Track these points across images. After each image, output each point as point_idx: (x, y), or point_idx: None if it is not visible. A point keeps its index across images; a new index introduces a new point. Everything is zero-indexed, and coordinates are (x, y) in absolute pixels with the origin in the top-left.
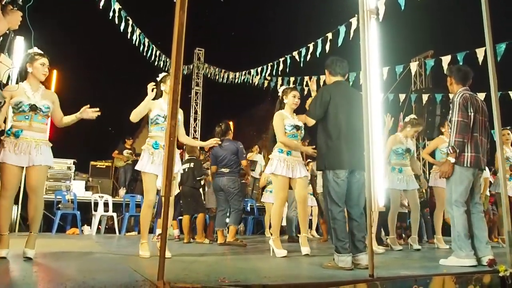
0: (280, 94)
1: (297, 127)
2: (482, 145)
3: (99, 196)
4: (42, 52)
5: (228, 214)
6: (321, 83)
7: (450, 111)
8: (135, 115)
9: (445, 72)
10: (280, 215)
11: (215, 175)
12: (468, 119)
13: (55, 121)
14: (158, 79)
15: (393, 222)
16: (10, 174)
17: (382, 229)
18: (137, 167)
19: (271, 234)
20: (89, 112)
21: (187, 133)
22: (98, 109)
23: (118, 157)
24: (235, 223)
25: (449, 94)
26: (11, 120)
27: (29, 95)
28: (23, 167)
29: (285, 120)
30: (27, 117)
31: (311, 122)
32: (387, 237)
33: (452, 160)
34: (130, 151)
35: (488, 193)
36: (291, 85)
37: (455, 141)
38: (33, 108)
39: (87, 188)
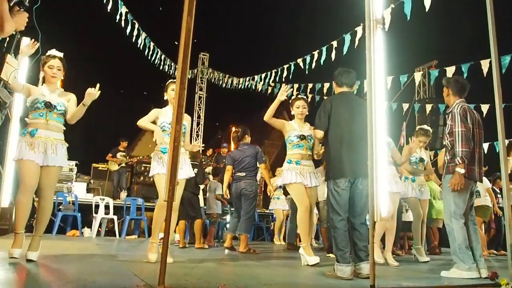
0: (290, 105)
1: (301, 137)
2: (479, 158)
3: (100, 199)
4: (54, 53)
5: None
6: (325, 91)
7: (449, 122)
8: (141, 124)
9: (442, 83)
10: (306, 222)
11: (232, 181)
12: (469, 130)
13: (67, 119)
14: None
15: (418, 230)
16: (29, 169)
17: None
18: (150, 174)
19: (282, 241)
20: (92, 93)
21: (190, 137)
22: (98, 85)
23: (112, 160)
24: (246, 231)
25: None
26: (26, 119)
27: (45, 94)
28: (40, 165)
29: (290, 131)
30: (41, 114)
31: (319, 133)
32: (413, 247)
33: (462, 171)
34: (124, 154)
35: (489, 204)
36: (295, 92)
37: (462, 151)
38: (48, 105)
39: (88, 190)
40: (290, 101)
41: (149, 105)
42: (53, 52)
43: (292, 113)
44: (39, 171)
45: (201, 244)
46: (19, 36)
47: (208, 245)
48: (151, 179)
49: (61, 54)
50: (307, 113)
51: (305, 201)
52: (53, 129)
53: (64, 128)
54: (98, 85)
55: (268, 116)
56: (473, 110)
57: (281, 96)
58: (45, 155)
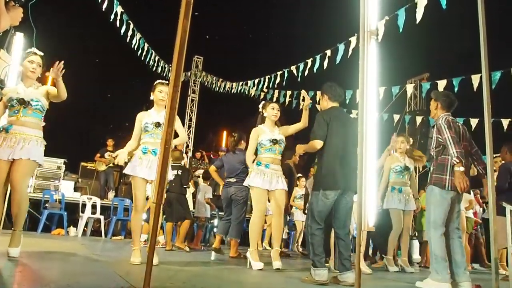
0: (260, 109)
1: (274, 141)
2: (465, 170)
3: (88, 198)
4: (34, 50)
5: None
6: (317, 99)
7: (435, 135)
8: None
9: (431, 96)
10: (259, 227)
11: (223, 186)
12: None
13: (57, 98)
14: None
15: (394, 242)
16: None
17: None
18: (125, 171)
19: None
20: (55, 71)
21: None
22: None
23: (101, 160)
24: (236, 236)
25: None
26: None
27: (20, 91)
28: (6, 160)
29: (261, 135)
30: (16, 111)
31: (319, 144)
32: (384, 256)
33: (462, 168)
34: (112, 154)
35: (471, 215)
36: (288, 99)
37: (457, 151)
38: (21, 101)
39: (75, 189)
40: (263, 105)
41: (140, 105)
42: (33, 49)
43: (265, 114)
44: (7, 168)
45: (183, 244)
46: (13, 31)
47: (195, 248)
48: None
49: (41, 53)
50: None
51: (260, 206)
52: (29, 125)
53: (43, 124)
54: (61, 62)
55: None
56: (459, 123)
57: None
58: (13, 150)
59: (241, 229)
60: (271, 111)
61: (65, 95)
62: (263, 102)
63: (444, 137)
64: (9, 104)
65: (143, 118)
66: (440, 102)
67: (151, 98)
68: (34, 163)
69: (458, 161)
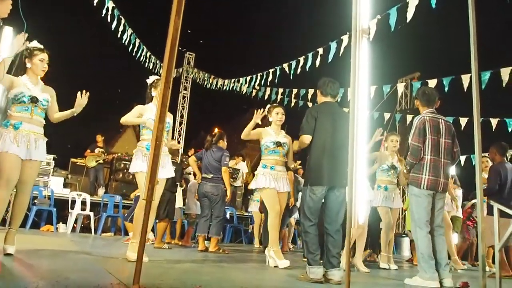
0: (266, 112)
1: (278, 143)
2: (443, 168)
3: (77, 194)
4: (42, 47)
5: (210, 221)
6: (309, 97)
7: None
8: (126, 120)
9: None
10: (277, 227)
11: (200, 182)
12: (422, 143)
13: (50, 115)
14: (149, 81)
15: (387, 239)
16: (12, 164)
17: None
18: (131, 170)
19: (260, 245)
20: (82, 104)
21: (172, 136)
22: (85, 92)
23: (91, 155)
24: (217, 234)
25: None
26: (9, 111)
27: (30, 87)
28: (22, 159)
29: (266, 137)
30: (26, 108)
31: (307, 138)
32: (380, 254)
33: (404, 171)
34: (102, 150)
35: (460, 214)
36: (279, 96)
37: (408, 161)
38: (34, 100)
39: (65, 185)
40: (268, 109)
41: (131, 102)
42: (39, 45)
43: (270, 119)
44: (20, 166)
45: (161, 243)
46: (1, 24)
47: (185, 245)
48: (130, 176)
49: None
50: (283, 121)
51: (276, 206)
52: (36, 124)
53: (45, 123)
54: (87, 93)
55: (245, 135)
56: (440, 119)
57: (257, 119)
58: (27, 149)
59: (222, 227)
60: (276, 116)
61: (58, 121)
62: (268, 106)
63: (408, 141)
64: (18, 99)
65: (144, 112)
66: (419, 99)
67: (153, 94)
68: (41, 163)
69: (405, 168)
